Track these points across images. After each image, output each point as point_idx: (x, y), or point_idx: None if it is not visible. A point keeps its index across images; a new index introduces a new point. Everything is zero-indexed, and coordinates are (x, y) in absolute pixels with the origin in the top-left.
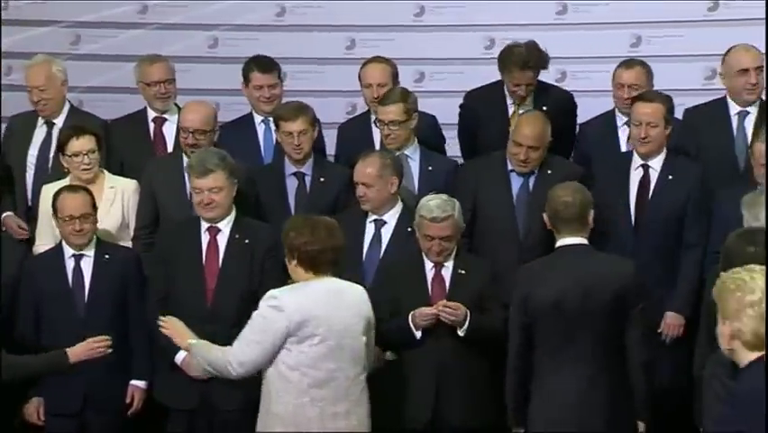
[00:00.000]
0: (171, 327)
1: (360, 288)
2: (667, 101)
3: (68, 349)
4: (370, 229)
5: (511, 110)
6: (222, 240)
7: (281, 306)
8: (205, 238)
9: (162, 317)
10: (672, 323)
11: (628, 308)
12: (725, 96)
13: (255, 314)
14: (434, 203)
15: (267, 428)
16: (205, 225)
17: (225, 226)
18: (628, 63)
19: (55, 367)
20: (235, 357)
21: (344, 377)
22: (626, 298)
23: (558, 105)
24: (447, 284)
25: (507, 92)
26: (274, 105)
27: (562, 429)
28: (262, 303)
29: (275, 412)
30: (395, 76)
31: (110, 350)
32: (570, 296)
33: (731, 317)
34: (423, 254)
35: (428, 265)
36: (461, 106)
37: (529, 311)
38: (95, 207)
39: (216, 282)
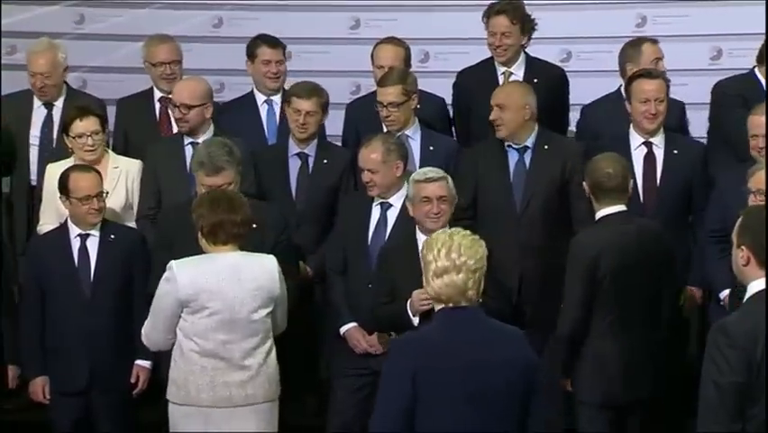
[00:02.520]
0: None
1: (266, 261)
2: (664, 75)
3: None
4: (376, 212)
5: (501, 81)
6: None
7: (173, 278)
8: None
9: None
10: (693, 296)
11: (670, 269)
12: (752, 72)
13: None
14: (425, 168)
15: (168, 392)
16: None
17: None
18: (651, 40)
19: None
20: (144, 330)
21: (237, 349)
22: (671, 261)
23: (549, 80)
24: None
25: (496, 65)
26: (279, 82)
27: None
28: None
29: (172, 377)
30: (407, 58)
31: None
32: (629, 259)
33: (425, 276)
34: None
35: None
36: (454, 85)
37: (599, 278)
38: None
39: None
